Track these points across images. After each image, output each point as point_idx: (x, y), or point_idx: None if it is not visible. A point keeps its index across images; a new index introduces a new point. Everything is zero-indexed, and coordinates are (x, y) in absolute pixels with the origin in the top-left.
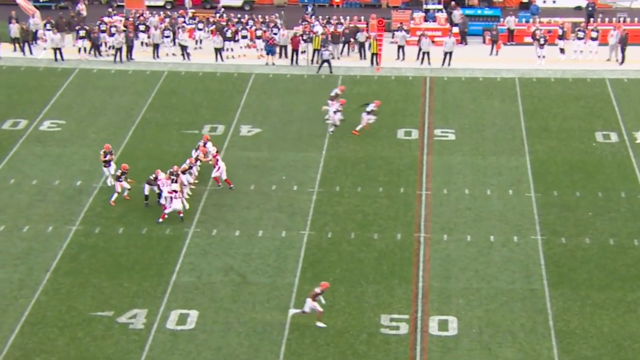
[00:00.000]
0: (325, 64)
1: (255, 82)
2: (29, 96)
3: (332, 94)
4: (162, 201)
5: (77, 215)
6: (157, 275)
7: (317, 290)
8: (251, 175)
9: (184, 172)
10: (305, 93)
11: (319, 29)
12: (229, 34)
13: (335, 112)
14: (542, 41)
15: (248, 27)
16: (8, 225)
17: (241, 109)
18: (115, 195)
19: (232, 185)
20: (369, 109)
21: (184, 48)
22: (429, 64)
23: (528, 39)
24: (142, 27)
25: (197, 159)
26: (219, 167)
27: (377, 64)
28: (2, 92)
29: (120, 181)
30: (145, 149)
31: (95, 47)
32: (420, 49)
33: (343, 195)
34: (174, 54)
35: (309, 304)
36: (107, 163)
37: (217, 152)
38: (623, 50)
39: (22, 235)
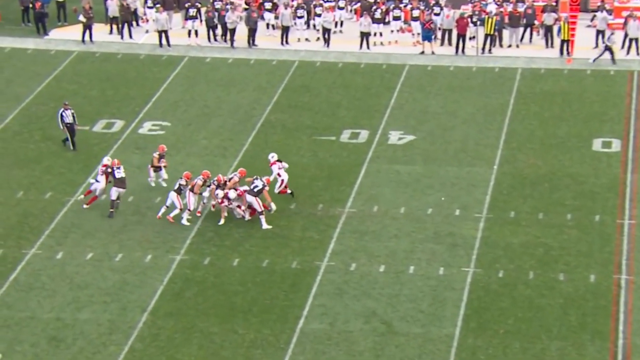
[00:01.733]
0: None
1: (409, 76)
2: (126, 91)
3: None
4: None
5: (182, 241)
6: (280, 321)
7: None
8: (401, 195)
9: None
10: (473, 90)
11: (492, 8)
12: (377, 15)
13: None
14: None
15: (402, 5)
16: (97, 253)
17: (390, 110)
18: (176, 211)
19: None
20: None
21: (326, 31)
22: (639, 54)
23: None
24: (268, 5)
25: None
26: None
27: (568, 53)
28: (95, 85)
29: (181, 192)
30: (266, 163)
31: (211, 29)
32: (626, 35)
33: (519, 223)
34: (307, 40)
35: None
36: (158, 169)
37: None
38: None
39: (114, 266)
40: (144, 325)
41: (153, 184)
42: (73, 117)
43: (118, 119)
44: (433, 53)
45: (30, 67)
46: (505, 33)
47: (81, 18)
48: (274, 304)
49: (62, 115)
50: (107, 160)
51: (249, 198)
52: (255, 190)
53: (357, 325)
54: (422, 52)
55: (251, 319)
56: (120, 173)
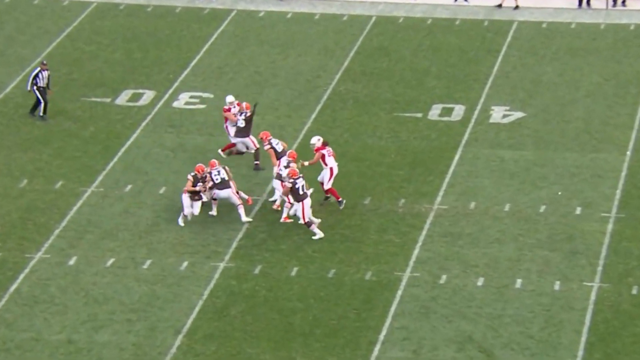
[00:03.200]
0: None
1: (517, 35)
2: (158, 54)
3: None
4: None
5: (226, 245)
6: (349, 347)
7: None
8: (506, 187)
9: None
10: (601, 54)
11: None
12: None
13: None
14: None
15: None
16: (120, 258)
17: (493, 79)
18: (286, 212)
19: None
20: None
21: None
22: None
23: None
24: None
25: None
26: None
27: None
28: (119, 46)
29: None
30: (337, 139)
31: None
32: None
33: None
34: None
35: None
36: (197, 194)
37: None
38: None
39: (142, 275)
40: (178, 350)
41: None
42: (49, 80)
43: (147, 89)
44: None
45: (37, 22)
46: None
47: None
48: (342, 325)
49: (36, 77)
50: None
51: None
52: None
53: (449, 354)
54: (517, 7)
55: (313, 344)
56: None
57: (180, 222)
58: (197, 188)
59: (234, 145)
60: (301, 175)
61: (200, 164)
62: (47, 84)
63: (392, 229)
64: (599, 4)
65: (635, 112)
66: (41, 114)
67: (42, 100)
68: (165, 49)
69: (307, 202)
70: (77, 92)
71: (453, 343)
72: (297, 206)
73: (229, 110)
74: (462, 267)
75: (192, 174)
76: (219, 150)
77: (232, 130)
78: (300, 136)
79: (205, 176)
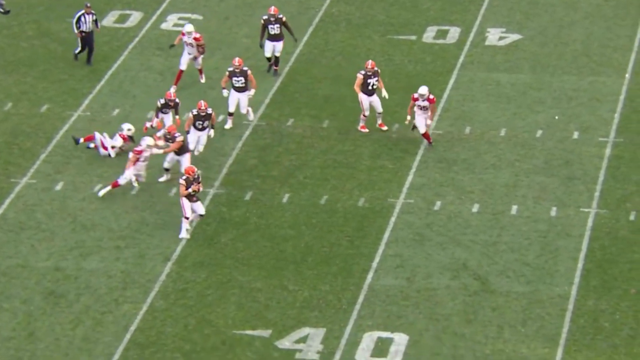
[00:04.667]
0: None
1: None
2: None
3: None
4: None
5: (216, 170)
6: (342, 275)
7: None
8: (502, 112)
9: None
10: None
11: None
12: None
13: None
14: None
15: None
16: (108, 184)
17: (489, 0)
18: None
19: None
20: None
21: None
22: None
23: None
24: None
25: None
26: None
27: None
28: None
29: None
30: (329, 63)
31: None
32: None
33: None
34: None
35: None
36: (194, 196)
37: None
38: None
39: (130, 202)
40: (167, 278)
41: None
42: (95, 23)
43: (134, 11)
44: None
45: None
46: None
47: None
48: (334, 253)
49: (79, 19)
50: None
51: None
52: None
53: (443, 282)
54: None
55: (305, 271)
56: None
57: (184, 229)
58: (191, 190)
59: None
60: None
61: (189, 166)
62: (96, 25)
63: (385, 155)
64: None
65: (634, 33)
66: (84, 60)
67: (80, 46)
68: None
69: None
70: (63, 13)
71: (447, 270)
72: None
73: (182, 36)
74: (457, 193)
75: (184, 177)
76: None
77: (183, 59)
78: (292, 59)
79: (198, 176)
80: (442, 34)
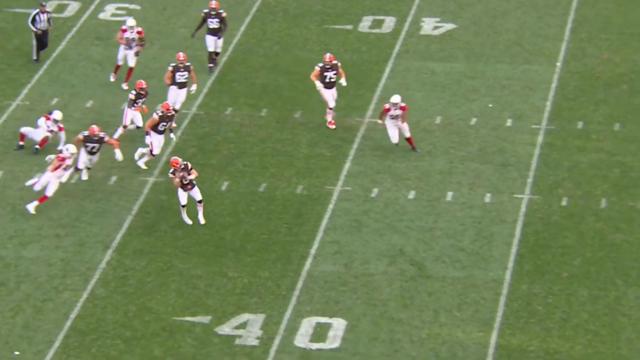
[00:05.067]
0: None
1: None
2: None
3: None
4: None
5: (155, 159)
6: (281, 261)
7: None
8: (437, 100)
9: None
10: None
11: None
12: None
13: None
14: None
15: None
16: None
17: None
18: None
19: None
20: None
21: None
22: None
23: None
24: None
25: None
26: None
27: None
28: None
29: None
30: (267, 52)
31: None
32: None
33: (589, 136)
34: None
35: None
36: (189, 184)
37: None
38: None
39: (70, 190)
40: (107, 265)
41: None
42: (49, 21)
43: (72, 0)
44: None
45: None
46: None
47: None
48: (273, 239)
49: (35, 18)
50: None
51: None
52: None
53: (380, 268)
54: None
55: (244, 259)
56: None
57: (184, 217)
58: (178, 178)
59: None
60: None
61: (173, 158)
62: (49, 24)
63: (323, 143)
64: None
65: (565, 23)
66: (34, 57)
67: (35, 46)
68: None
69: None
70: (0, 3)
71: (384, 257)
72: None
73: (124, 32)
74: (393, 180)
75: (170, 170)
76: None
77: (120, 54)
78: (229, 49)
79: (185, 165)
80: (378, 23)
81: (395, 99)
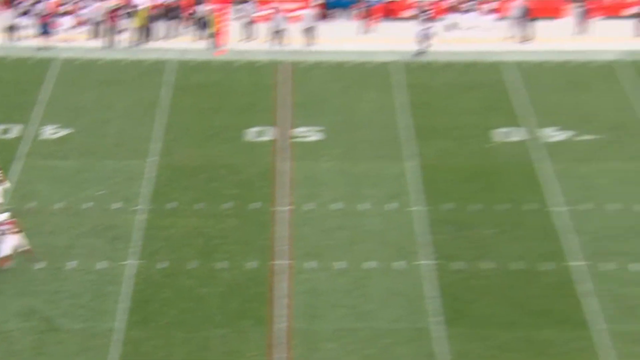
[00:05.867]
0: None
1: (61, 71)
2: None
3: None
4: None
5: None
6: None
7: None
8: (58, 190)
9: None
10: (126, 84)
11: (142, 0)
12: None
13: None
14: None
15: None
16: None
17: (44, 105)
18: None
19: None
20: None
21: None
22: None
23: (409, 13)
24: None
25: None
26: None
27: (219, 45)
28: None
29: None
30: None
31: None
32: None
33: (179, 214)
34: None
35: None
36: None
37: None
38: (528, 26)
39: None
40: None
41: None
42: None
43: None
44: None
45: None
46: (158, 25)
47: None
48: None
49: None
50: None
51: None
52: None
53: (16, 324)
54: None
55: None
56: None
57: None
58: None
59: None
60: None
61: None
62: None
63: None
64: (122, 45)
65: (160, 127)
66: None
67: None
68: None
69: None
70: None
71: (20, 315)
72: None
73: None
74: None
75: None
76: None
77: None
78: None
79: None
80: (5, 131)
81: (2, 216)
